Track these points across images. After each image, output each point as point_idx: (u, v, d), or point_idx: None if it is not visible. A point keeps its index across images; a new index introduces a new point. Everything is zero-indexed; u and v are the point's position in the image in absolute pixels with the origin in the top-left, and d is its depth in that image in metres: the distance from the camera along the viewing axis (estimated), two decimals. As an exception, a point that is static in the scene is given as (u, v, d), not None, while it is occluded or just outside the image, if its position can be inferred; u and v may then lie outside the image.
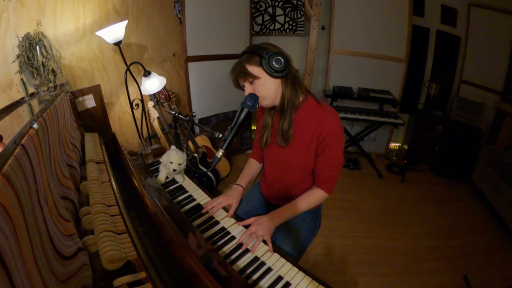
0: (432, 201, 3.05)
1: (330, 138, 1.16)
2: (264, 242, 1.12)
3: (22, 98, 1.48)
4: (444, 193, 3.23)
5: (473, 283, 1.97)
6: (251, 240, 1.11)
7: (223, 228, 1.20)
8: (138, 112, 2.51)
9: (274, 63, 1.06)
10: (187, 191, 1.47)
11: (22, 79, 1.46)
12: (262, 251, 1.08)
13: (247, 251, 1.08)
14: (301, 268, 1.01)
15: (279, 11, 3.63)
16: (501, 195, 2.66)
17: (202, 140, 2.99)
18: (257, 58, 1.09)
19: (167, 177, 1.56)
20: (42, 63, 1.49)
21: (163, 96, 2.69)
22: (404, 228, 2.58)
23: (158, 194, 1.32)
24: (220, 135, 1.14)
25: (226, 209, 1.33)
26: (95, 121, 2.25)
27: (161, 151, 1.88)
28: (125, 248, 0.87)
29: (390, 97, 3.52)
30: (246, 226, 1.19)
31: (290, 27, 3.71)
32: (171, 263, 0.92)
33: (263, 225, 1.15)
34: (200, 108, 3.26)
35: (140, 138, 2.57)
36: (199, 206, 1.35)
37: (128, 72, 2.24)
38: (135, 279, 0.77)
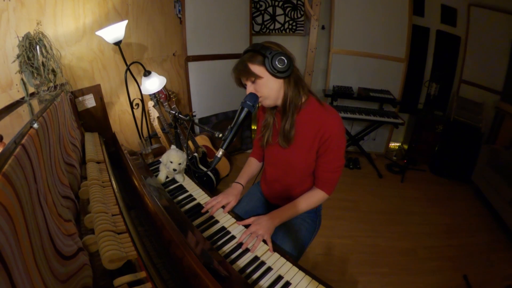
0: (432, 201, 3.05)
1: (332, 139, 1.16)
2: (264, 241, 1.12)
3: (22, 98, 1.48)
4: (444, 193, 3.23)
5: (473, 283, 1.97)
6: (251, 239, 1.11)
7: (223, 228, 1.20)
8: (138, 112, 2.51)
9: (277, 63, 1.05)
10: (187, 191, 1.47)
11: (22, 79, 1.46)
12: (262, 250, 1.08)
13: (247, 250, 1.08)
14: (301, 268, 1.02)
15: (279, 10, 3.63)
16: (501, 195, 2.66)
17: (202, 140, 2.99)
18: (260, 57, 1.08)
19: (167, 177, 1.56)
20: (42, 63, 1.49)
21: (163, 96, 2.69)
22: (404, 228, 2.58)
23: (158, 193, 1.32)
24: (220, 135, 1.14)
25: (224, 206, 1.33)
26: (95, 120, 2.25)
27: (161, 151, 1.88)
28: (125, 247, 0.87)
29: (390, 97, 3.52)
30: (246, 226, 1.20)
31: (290, 26, 3.71)
32: (171, 263, 0.92)
33: (263, 224, 1.15)
34: (200, 108, 3.26)
35: (140, 138, 2.57)
36: (199, 206, 1.35)
37: (128, 72, 2.24)
38: (135, 279, 0.77)
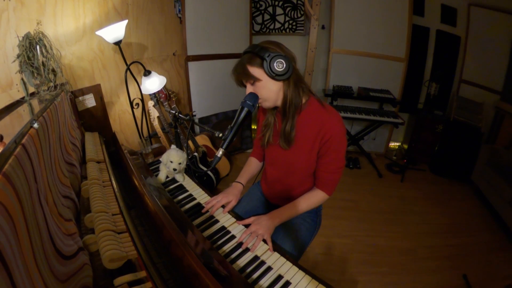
0: (432, 201, 3.05)
1: (333, 141, 1.16)
2: (264, 241, 1.12)
3: (23, 98, 1.48)
4: (443, 193, 3.23)
5: (473, 283, 1.97)
6: (251, 239, 1.11)
7: (223, 227, 1.20)
8: (138, 112, 2.51)
9: (275, 66, 1.04)
10: (187, 190, 1.47)
11: (22, 79, 1.46)
12: (262, 250, 1.09)
13: (247, 250, 1.08)
14: (301, 267, 1.02)
15: (279, 10, 3.63)
16: (501, 195, 2.66)
17: (202, 139, 2.99)
18: (258, 60, 1.07)
19: (167, 176, 1.56)
20: (42, 62, 1.49)
21: (163, 96, 2.69)
22: (403, 228, 2.59)
23: (158, 193, 1.32)
24: (220, 134, 1.13)
25: (224, 206, 1.33)
26: (95, 120, 2.26)
27: (161, 150, 1.88)
28: (126, 247, 0.87)
29: (390, 97, 3.52)
30: (246, 226, 1.20)
31: (290, 26, 3.70)
32: (171, 262, 0.92)
33: (263, 224, 1.15)
34: (200, 108, 3.26)
35: (140, 138, 2.57)
36: (199, 205, 1.35)
37: (128, 72, 2.24)
38: (136, 278, 0.77)
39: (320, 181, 1.28)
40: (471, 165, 3.27)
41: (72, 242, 0.82)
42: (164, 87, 2.56)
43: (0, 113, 1.27)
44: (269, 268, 1.01)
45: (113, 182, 1.26)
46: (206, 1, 2.93)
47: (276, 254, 1.07)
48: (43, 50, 1.49)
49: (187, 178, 1.57)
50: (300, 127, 1.20)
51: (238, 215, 1.31)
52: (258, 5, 3.59)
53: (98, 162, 1.45)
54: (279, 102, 1.17)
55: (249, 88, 1.13)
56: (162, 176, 1.54)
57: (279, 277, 0.98)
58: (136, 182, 1.25)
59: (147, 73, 2.26)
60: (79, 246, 0.84)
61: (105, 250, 0.81)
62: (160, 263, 0.91)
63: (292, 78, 1.11)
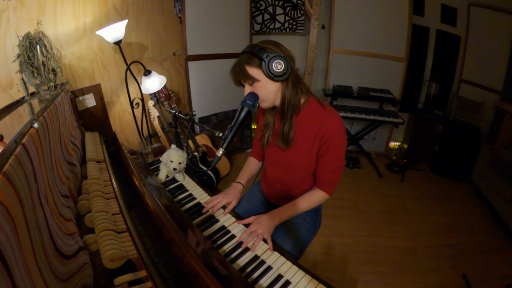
0: (432, 200, 3.05)
1: (333, 140, 1.15)
2: (264, 240, 1.12)
3: (23, 98, 1.48)
4: (443, 192, 3.23)
5: (472, 282, 1.97)
6: (251, 238, 1.11)
7: (223, 227, 1.21)
8: (138, 111, 2.51)
9: (274, 67, 1.03)
10: (187, 190, 1.47)
11: (22, 79, 1.46)
12: (262, 249, 1.09)
13: (247, 249, 1.08)
14: (301, 267, 1.02)
15: (279, 10, 3.63)
16: (501, 195, 2.66)
17: (202, 139, 2.99)
18: (257, 60, 1.06)
19: (167, 176, 1.57)
20: (43, 62, 1.49)
21: (163, 95, 2.70)
22: (403, 227, 2.59)
23: (159, 193, 1.32)
24: (220, 134, 1.14)
25: (226, 207, 1.33)
26: (96, 120, 2.26)
27: (161, 150, 1.88)
28: (126, 246, 0.88)
29: (390, 96, 3.52)
30: (247, 225, 1.20)
31: (290, 26, 3.70)
32: (172, 262, 0.92)
33: (263, 223, 1.15)
34: (200, 107, 3.26)
35: (141, 137, 2.57)
36: (199, 205, 1.36)
37: (128, 71, 2.24)
38: (136, 278, 0.77)
39: (320, 181, 1.28)
40: (471, 165, 3.27)
41: (73, 242, 0.82)
42: (164, 86, 2.56)
43: (0, 113, 1.28)
44: (269, 268, 1.01)
45: (113, 181, 1.26)
46: (206, 1, 2.93)
47: (276, 254, 1.07)
48: (43, 50, 1.49)
49: (187, 177, 1.57)
50: (299, 127, 1.20)
51: (238, 215, 1.31)
52: (258, 5, 3.59)
53: (98, 162, 1.45)
54: (277, 103, 1.17)
55: (248, 89, 1.13)
56: (162, 175, 1.54)
57: (279, 276, 0.98)
58: (136, 181, 1.25)
59: (147, 72, 2.26)
60: (80, 245, 0.84)
61: (105, 249, 0.81)
62: (160, 262, 0.91)
63: (290, 78, 1.10)
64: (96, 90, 2.24)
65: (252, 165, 1.53)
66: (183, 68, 3.10)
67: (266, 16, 3.66)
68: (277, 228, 1.22)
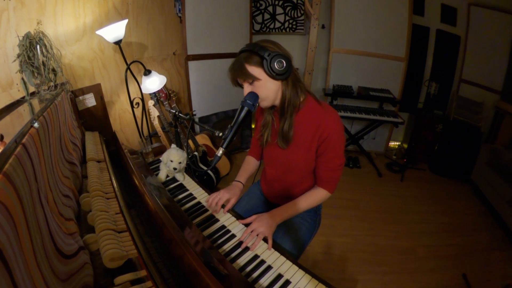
0: (432, 200, 3.05)
1: (331, 138, 1.16)
2: (265, 240, 1.12)
3: (23, 97, 1.49)
4: (443, 192, 3.24)
5: (472, 282, 1.97)
6: (252, 238, 1.11)
7: (223, 226, 1.21)
8: (138, 111, 2.51)
9: (276, 65, 1.03)
10: (187, 190, 1.47)
11: (22, 78, 1.47)
12: (262, 249, 1.09)
13: (247, 249, 1.09)
14: (300, 266, 1.02)
15: (279, 9, 3.63)
16: (500, 194, 2.66)
17: (202, 139, 2.99)
18: (257, 58, 1.06)
19: (167, 176, 1.57)
20: (43, 62, 1.50)
21: (163, 95, 2.70)
22: (403, 227, 2.59)
23: (159, 192, 1.32)
24: (220, 134, 1.13)
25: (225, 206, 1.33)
26: (96, 119, 2.26)
27: (161, 150, 1.88)
28: (126, 246, 0.88)
29: (390, 96, 3.52)
30: (247, 225, 1.20)
31: (290, 26, 3.70)
32: (172, 261, 0.92)
33: (265, 222, 1.15)
34: (200, 107, 3.26)
35: (141, 137, 2.57)
36: (199, 204, 1.36)
37: (128, 71, 2.24)
38: (136, 277, 0.78)
39: (321, 179, 1.28)
40: (470, 165, 3.27)
41: (73, 241, 0.82)
42: (164, 86, 2.56)
43: (1, 112, 1.28)
44: (269, 267, 1.01)
45: (114, 181, 1.26)
46: (206, 1, 2.93)
47: (276, 253, 1.07)
48: (43, 50, 1.49)
49: (187, 177, 1.57)
50: (298, 126, 1.20)
51: (238, 214, 1.32)
52: (258, 5, 3.59)
53: (99, 162, 1.45)
54: (277, 102, 1.17)
55: (247, 88, 1.12)
56: (162, 175, 1.54)
57: (279, 276, 0.98)
58: (136, 181, 1.25)
59: (147, 72, 2.26)
60: (80, 245, 0.84)
61: (106, 249, 0.81)
62: (160, 262, 0.91)
63: (290, 77, 1.11)
64: (96, 89, 2.24)
65: (250, 164, 1.53)
66: (183, 68, 3.10)
67: (266, 16, 3.66)
68: (277, 228, 1.22)
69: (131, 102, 2.37)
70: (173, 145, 1.60)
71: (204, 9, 2.94)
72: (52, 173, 0.91)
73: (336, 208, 2.77)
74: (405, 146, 4.09)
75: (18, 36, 1.45)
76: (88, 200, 1.07)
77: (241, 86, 1.16)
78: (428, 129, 3.58)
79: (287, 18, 3.66)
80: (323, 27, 3.68)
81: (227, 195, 1.31)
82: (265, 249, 1.09)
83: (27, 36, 1.44)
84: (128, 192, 1.30)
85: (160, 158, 1.54)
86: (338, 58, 3.67)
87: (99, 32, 1.99)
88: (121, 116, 2.60)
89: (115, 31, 2.01)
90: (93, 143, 1.70)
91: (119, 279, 0.75)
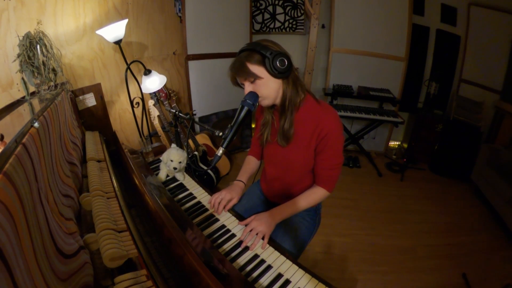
0: (431, 200, 3.05)
1: (330, 137, 1.16)
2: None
3: (23, 97, 1.49)
4: (443, 192, 3.24)
5: (472, 281, 1.97)
6: (251, 237, 1.11)
7: (223, 226, 1.21)
8: (138, 111, 2.51)
9: (278, 64, 1.05)
10: (187, 189, 1.47)
11: (22, 78, 1.47)
12: (262, 248, 1.09)
13: (247, 248, 1.09)
14: (300, 266, 1.02)
15: (279, 9, 3.63)
16: (500, 194, 2.66)
17: (202, 138, 2.99)
18: (258, 57, 1.07)
19: (167, 175, 1.57)
20: (43, 62, 1.50)
21: (163, 95, 2.70)
22: (403, 226, 2.59)
23: (159, 192, 1.32)
24: (220, 133, 1.14)
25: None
26: (96, 119, 2.26)
27: (161, 149, 1.89)
28: (126, 246, 0.88)
29: (390, 96, 3.52)
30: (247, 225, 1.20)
31: (290, 25, 3.70)
32: (172, 261, 0.92)
33: (264, 221, 1.15)
34: (200, 107, 3.26)
35: (141, 137, 2.57)
36: (199, 204, 1.36)
37: (128, 71, 2.24)
38: (136, 277, 0.78)
39: (319, 178, 1.28)
40: (470, 165, 3.27)
41: (73, 241, 0.82)
42: (164, 86, 2.56)
43: (1, 112, 1.28)
44: (269, 267, 1.01)
45: (114, 181, 1.26)
46: (206, 0, 2.93)
47: (276, 253, 1.08)
48: (44, 50, 1.49)
49: (187, 177, 1.57)
50: (297, 124, 1.21)
51: (237, 214, 1.32)
52: (258, 4, 3.59)
53: (99, 161, 1.46)
54: (278, 100, 1.18)
55: (248, 87, 1.12)
56: (162, 175, 1.54)
57: (279, 275, 0.98)
58: (136, 181, 1.25)
59: (147, 72, 2.26)
60: (80, 245, 0.84)
61: (106, 249, 0.81)
62: (161, 261, 0.92)
63: (291, 76, 1.12)
64: (96, 89, 2.25)
65: (251, 163, 1.53)
66: (183, 68, 3.10)
67: (266, 16, 3.66)
68: (276, 227, 1.23)
69: (131, 102, 2.37)
70: (173, 145, 1.60)
71: (204, 9, 2.93)
72: (52, 173, 0.91)
73: (336, 208, 2.77)
74: (405, 145, 4.10)
75: (18, 36, 1.45)
76: (89, 200, 1.07)
77: (241, 86, 1.17)
78: (428, 129, 3.58)
79: (287, 17, 3.66)
80: (323, 26, 3.68)
81: (229, 195, 1.32)
82: (265, 249, 1.09)
83: (27, 36, 1.44)
84: (128, 191, 1.30)
85: (160, 158, 1.54)
86: (338, 57, 3.67)
87: (99, 32, 1.99)
88: (121, 116, 2.60)
89: (115, 30, 2.01)
90: (93, 143, 1.70)
91: (119, 279, 0.75)
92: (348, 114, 3.38)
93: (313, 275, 0.98)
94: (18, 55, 1.44)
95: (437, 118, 3.54)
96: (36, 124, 0.87)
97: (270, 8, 3.63)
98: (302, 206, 1.28)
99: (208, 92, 3.26)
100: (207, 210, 1.31)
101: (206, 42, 3.07)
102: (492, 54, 3.32)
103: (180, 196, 1.42)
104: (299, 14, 3.63)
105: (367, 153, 3.76)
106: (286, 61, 1.06)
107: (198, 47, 3.01)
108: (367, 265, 2.16)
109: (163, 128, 2.80)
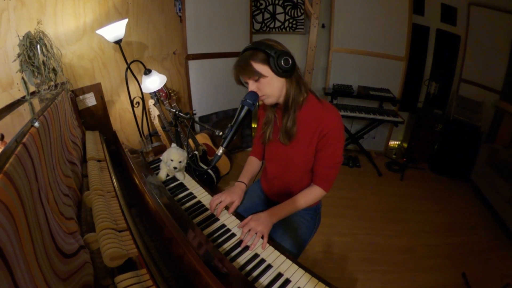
0: (431, 199, 3.05)
1: (331, 135, 1.17)
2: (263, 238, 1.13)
3: (23, 97, 1.49)
4: (443, 191, 3.24)
5: (471, 281, 1.98)
6: (250, 237, 1.11)
7: (223, 225, 1.21)
8: (138, 110, 2.51)
9: (282, 62, 1.06)
10: (187, 189, 1.47)
11: (23, 78, 1.47)
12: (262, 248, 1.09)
13: (247, 248, 1.09)
14: (300, 265, 1.02)
15: (279, 9, 3.63)
16: (500, 194, 2.67)
17: (202, 138, 2.99)
18: (263, 56, 1.08)
19: (167, 175, 1.57)
20: (43, 61, 1.50)
21: (163, 94, 2.70)
22: (403, 226, 2.59)
23: (159, 191, 1.32)
24: (221, 133, 1.14)
25: (228, 207, 1.33)
26: (96, 119, 2.26)
27: (161, 149, 1.89)
28: (126, 245, 0.88)
29: (390, 96, 3.52)
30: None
31: (290, 25, 3.71)
32: (172, 260, 0.92)
33: (262, 220, 1.15)
34: (201, 106, 3.26)
35: (141, 136, 2.57)
36: (199, 204, 1.36)
37: (128, 70, 2.24)
38: (136, 276, 0.78)
39: (317, 176, 1.29)
40: (470, 164, 3.27)
41: (73, 241, 0.82)
42: (165, 85, 2.56)
43: (1, 112, 1.28)
44: (269, 266, 1.01)
45: (114, 180, 1.26)
46: (206, 0, 2.93)
47: (276, 252, 1.08)
48: (44, 49, 1.49)
49: (187, 176, 1.58)
50: (299, 123, 1.22)
51: (238, 213, 1.32)
52: (258, 4, 3.59)
53: (99, 161, 1.46)
54: (281, 99, 1.19)
55: (252, 85, 1.13)
56: (162, 174, 1.54)
57: (279, 275, 0.98)
58: (136, 180, 1.25)
59: (147, 71, 2.26)
60: (80, 244, 0.84)
61: (106, 248, 0.82)
62: (161, 261, 0.92)
63: (294, 75, 1.13)
64: (97, 89, 2.25)
65: (253, 164, 1.53)
66: (183, 67, 3.10)
67: (266, 15, 3.66)
68: (276, 227, 1.23)
69: (131, 102, 2.37)
70: (173, 144, 1.60)
71: (204, 9, 2.93)
72: (52, 173, 0.91)
73: (336, 207, 2.77)
74: (405, 145, 4.10)
75: (18, 35, 1.45)
76: (91, 198, 1.07)
77: (244, 85, 1.18)
78: (428, 129, 3.58)
79: (287, 17, 3.66)
80: (323, 26, 3.68)
81: (229, 198, 1.31)
82: (265, 248, 1.09)
83: (27, 35, 1.45)
84: (128, 191, 1.30)
85: (160, 157, 1.55)
86: (338, 57, 3.67)
87: (99, 31, 1.99)
88: (121, 116, 2.60)
89: (115, 30, 2.02)
90: (94, 143, 1.70)
91: (120, 278, 0.75)
92: (348, 113, 3.38)
93: (313, 274, 0.98)
94: (18, 55, 1.44)
95: (437, 117, 3.54)
96: (36, 124, 0.87)
97: (270, 8, 3.63)
98: (300, 205, 1.28)
99: (208, 91, 3.26)
100: (207, 209, 1.31)
101: (206, 42, 3.07)
102: (492, 54, 3.32)
103: (180, 195, 1.42)
104: (299, 14, 3.63)
105: (367, 153, 3.76)
106: (290, 60, 1.07)
107: (198, 46, 3.01)
108: (367, 264, 2.16)
109: (163, 127, 2.81)
